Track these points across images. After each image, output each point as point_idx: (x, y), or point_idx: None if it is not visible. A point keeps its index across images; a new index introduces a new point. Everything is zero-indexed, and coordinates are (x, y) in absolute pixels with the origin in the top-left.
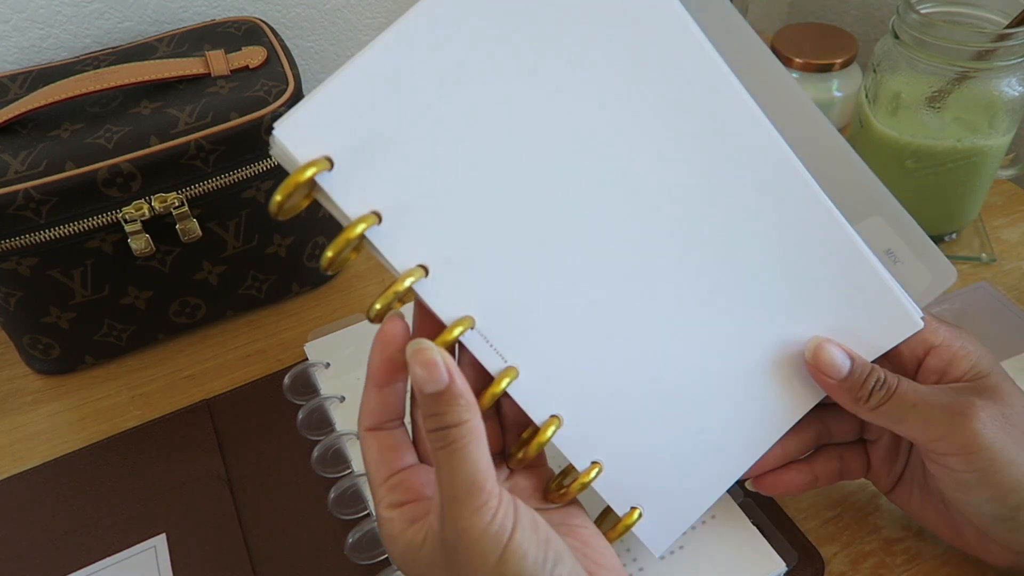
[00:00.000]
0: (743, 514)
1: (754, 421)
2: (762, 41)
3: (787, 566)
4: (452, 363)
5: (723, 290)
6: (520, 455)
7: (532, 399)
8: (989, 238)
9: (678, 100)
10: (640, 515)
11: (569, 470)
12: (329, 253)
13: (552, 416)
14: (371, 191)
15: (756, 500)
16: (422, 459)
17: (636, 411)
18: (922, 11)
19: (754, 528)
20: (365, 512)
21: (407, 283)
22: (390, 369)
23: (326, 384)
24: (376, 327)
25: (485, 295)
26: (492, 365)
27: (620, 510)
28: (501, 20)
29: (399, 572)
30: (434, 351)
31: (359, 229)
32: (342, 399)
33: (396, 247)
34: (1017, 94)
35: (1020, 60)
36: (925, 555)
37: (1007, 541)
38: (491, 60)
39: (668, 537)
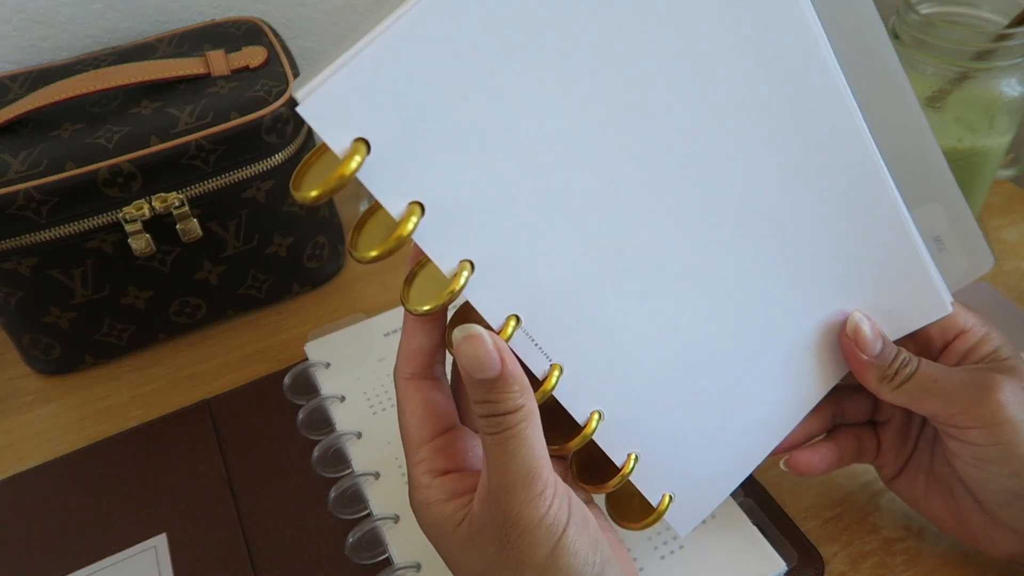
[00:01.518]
0: (743, 514)
1: (782, 402)
2: (875, 10)
3: (787, 566)
4: (504, 346)
5: (772, 272)
6: (558, 449)
7: (574, 396)
8: (989, 238)
9: (760, 65)
10: (671, 500)
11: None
12: (374, 253)
13: (593, 411)
14: (412, 181)
15: (756, 500)
16: (462, 419)
17: (672, 400)
18: (922, 11)
19: (754, 528)
20: (365, 512)
21: (462, 281)
22: None
23: (326, 384)
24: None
25: (530, 293)
26: (537, 364)
27: (653, 498)
28: None
29: (399, 572)
30: (484, 334)
31: (410, 227)
32: (342, 399)
33: (441, 243)
34: (1017, 94)
35: (1020, 60)
36: (925, 555)
37: (1020, 522)
38: (554, 28)
39: (695, 518)
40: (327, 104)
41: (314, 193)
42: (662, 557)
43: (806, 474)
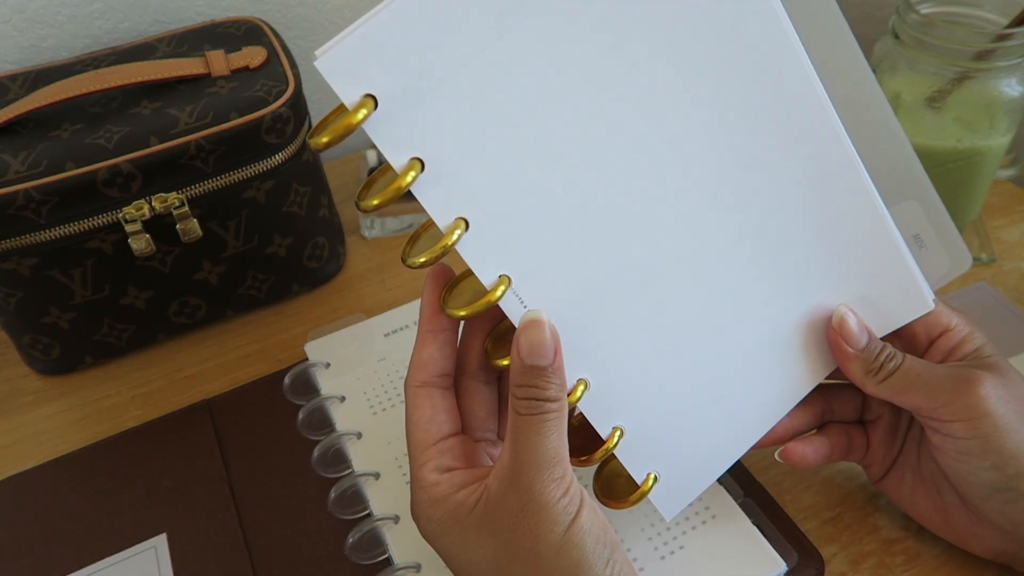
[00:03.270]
0: (743, 514)
1: (770, 390)
2: (841, 14)
3: (787, 566)
4: (559, 340)
5: (757, 258)
6: None
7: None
8: (989, 238)
9: (737, 62)
10: (656, 480)
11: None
12: (376, 201)
13: (579, 380)
14: (415, 137)
15: (756, 500)
16: (465, 430)
17: (659, 376)
18: (922, 11)
19: (754, 528)
20: (365, 512)
21: (455, 237)
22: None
23: (326, 384)
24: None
25: (523, 254)
26: None
27: (638, 476)
28: None
29: (399, 572)
30: (547, 323)
31: (409, 179)
32: (342, 399)
33: (438, 199)
34: (1017, 94)
35: (1020, 60)
36: (925, 555)
37: (1001, 517)
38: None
39: (680, 502)
40: (340, 61)
41: (324, 139)
42: (662, 557)
43: (799, 465)
